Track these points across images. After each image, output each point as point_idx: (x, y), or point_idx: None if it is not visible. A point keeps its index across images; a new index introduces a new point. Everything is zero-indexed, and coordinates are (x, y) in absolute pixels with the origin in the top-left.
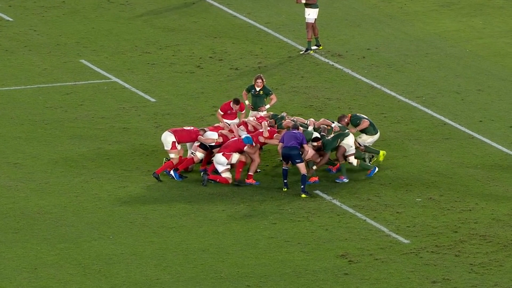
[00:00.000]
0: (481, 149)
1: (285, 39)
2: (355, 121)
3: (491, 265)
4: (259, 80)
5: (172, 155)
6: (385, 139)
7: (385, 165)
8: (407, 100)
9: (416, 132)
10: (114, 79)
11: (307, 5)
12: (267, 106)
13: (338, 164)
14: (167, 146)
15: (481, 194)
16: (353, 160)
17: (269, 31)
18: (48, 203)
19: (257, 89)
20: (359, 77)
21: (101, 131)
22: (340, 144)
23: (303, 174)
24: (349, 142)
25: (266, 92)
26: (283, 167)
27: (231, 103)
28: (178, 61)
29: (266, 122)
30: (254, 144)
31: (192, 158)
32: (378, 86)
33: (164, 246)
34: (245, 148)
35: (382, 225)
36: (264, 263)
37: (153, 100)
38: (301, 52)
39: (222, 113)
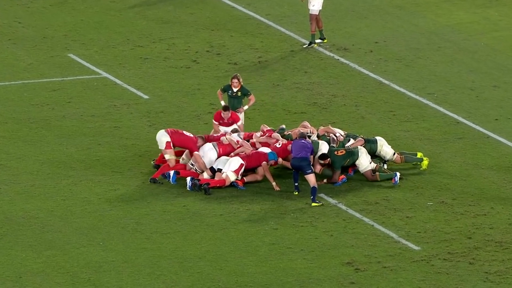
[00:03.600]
0: (497, 150)
1: (287, 32)
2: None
3: (507, 274)
4: (235, 80)
5: (167, 156)
6: (394, 139)
7: (393, 167)
8: (417, 97)
9: (427, 132)
10: (104, 74)
11: None
12: (245, 107)
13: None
14: (161, 146)
15: (497, 197)
16: (376, 175)
17: (270, 23)
18: (33, 207)
19: (234, 89)
20: (366, 72)
21: (91, 130)
22: (363, 172)
23: (313, 187)
24: (362, 162)
25: (244, 93)
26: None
27: (221, 112)
28: (173, 56)
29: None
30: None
31: (196, 173)
32: (387, 82)
33: (158, 253)
34: (263, 163)
35: (391, 230)
36: (264, 271)
37: (146, 97)
38: (304, 46)
39: (216, 122)
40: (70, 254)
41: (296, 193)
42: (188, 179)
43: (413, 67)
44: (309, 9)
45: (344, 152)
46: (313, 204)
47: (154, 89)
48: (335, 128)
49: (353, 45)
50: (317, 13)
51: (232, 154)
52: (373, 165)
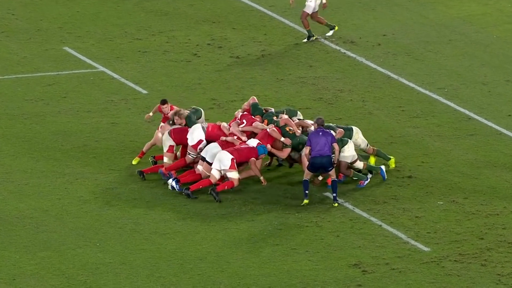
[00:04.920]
0: (510, 147)
1: (291, 24)
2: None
3: None
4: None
5: (165, 159)
6: (403, 135)
7: (403, 164)
8: (427, 92)
9: (438, 128)
10: (101, 68)
11: None
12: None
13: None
14: (165, 148)
15: (510, 196)
16: (359, 164)
17: (274, 15)
18: (27, 207)
19: None
20: (374, 66)
21: (87, 126)
22: (341, 159)
23: (334, 180)
24: (348, 153)
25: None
26: (305, 178)
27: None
28: (172, 49)
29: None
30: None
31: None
32: (395, 77)
33: (157, 254)
34: (252, 160)
35: (400, 231)
36: (268, 273)
37: (144, 92)
38: (304, 40)
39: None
40: (66, 255)
41: (306, 201)
42: (173, 183)
43: (423, 61)
44: (305, 6)
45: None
46: (335, 204)
47: (153, 83)
48: (307, 120)
49: (361, 38)
50: (309, 12)
51: (222, 139)
52: (361, 164)
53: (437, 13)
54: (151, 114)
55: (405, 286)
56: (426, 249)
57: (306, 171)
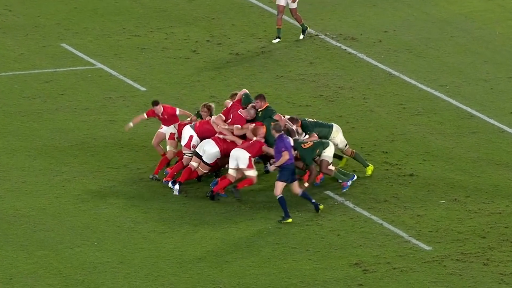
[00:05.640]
0: None
1: (291, 21)
2: (304, 130)
3: None
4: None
5: (167, 147)
6: (404, 133)
7: (404, 162)
8: (429, 89)
9: (439, 126)
10: (99, 65)
11: None
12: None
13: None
14: (183, 142)
15: None
16: (331, 169)
17: (274, 11)
18: (25, 205)
19: None
20: (375, 63)
21: (85, 124)
22: (322, 158)
23: (304, 192)
24: (330, 153)
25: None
26: (282, 195)
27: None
28: (171, 45)
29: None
30: None
31: (190, 168)
32: (397, 74)
33: (156, 253)
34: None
35: (401, 230)
36: (268, 273)
37: (143, 89)
38: (301, 37)
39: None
40: (63, 254)
41: (322, 206)
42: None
43: (424, 58)
44: (288, 4)
45: (311, 144)
46: (321, 207)
47: (152, 80)
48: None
49: (361, 34)
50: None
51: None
52: (332, 168)
53: (439, 9)
54: (131, 124)
55: (407, 286)
56: (427, 248)
57: (282, 184)
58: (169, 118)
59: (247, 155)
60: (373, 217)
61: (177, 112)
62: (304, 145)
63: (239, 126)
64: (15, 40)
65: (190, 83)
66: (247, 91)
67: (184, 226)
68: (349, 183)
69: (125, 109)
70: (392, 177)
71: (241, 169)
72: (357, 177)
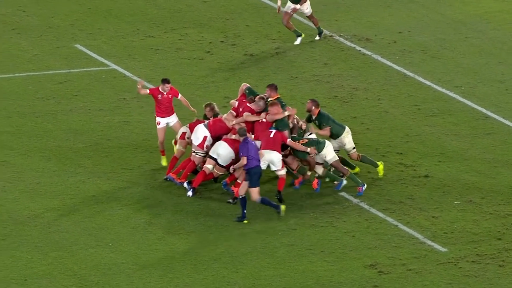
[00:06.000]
0: None
1: (305, 21)
2: (320, 121)
3: None
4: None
5: (177, 145)
6: (420, 134)
7: (419, 164)
8: (444, 90)
9: (454, 127)
10: (113, 66)
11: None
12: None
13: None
14: (196, 142)
15: None
16: (319, 169)
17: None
18: (39, 206)
19: None
20: (390, 64)
21: (99, 125)
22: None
23: (243, 197)
24: (327, 153)
25: None
26: (244, 196)
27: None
28: (185, 46)
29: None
30: None
31: (204, 172)
32: (411, 75)
33: (170, 254)
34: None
35: (416, 231)
36: (283, 274)
37: None
38: (317, 38)
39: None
40: (78, 255)
41: (283, 207)
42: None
43: (439, 59)
44: (304, 12)
45: (306, 141)
46: (245, 221)
47: None
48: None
49: (376, 35)
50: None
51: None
52: (321, 169)
53: (454, 10)
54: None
55: (422, 287)
56: (443, 249)
57: (255, 189)
58: (168, 105)
59: (280, 157)
60: (388, 218)
61: (179, 96)
62: (299, 142)
63: (249, 113)
64: (29, 41)
65: (204, 84)
66: (248, 85)
67: (199, 228)
68: (342, 185)
69: (139, 110)
70: (407, 179)
71: (275, 170)
72: (373, 178)
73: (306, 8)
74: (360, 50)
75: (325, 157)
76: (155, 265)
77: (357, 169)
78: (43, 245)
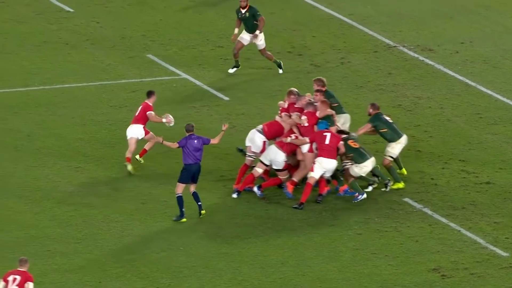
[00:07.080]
0: None
1: (370, 32)
2: (375, 123)
3: None
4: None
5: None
6: (481, 142)
7: (481, 170)
8: (505, 99)
9: None
10: (183, 75)
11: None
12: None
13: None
14: (255, 148)
15: None
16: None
17: (353, 23)
18: (113, 211)
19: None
20: (452, 73)
21: (170, 132)
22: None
23: (195, 192)
24: (364, 167)
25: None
26: (180, 194)
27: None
28: (253, 56)
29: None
30: None
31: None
32: (473, 84)
33: (239, 258)
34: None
35: (478, 236)
36: (348, 277)
37: (226, 98)
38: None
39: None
40: (150, 258)
41: (203, 211)
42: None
43: (500, 68)
44: (257, 45)
45: (357, 145)
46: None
47: (235, 90)
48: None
49: (438, 45)
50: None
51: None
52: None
53: None
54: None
55: None
56: (505, 254)
57: (180, 185)
58: (143, 113)
59: (335, 163)
60: (450, 223)
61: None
62: (354, 144)
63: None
64: (103, 51)
65: (272, 93)
66: (295, 89)
67: (267, 232)
68: (345, 193)
69: (209, 118)
70: (469, 185)
71: (327, 176)
72: (436, 184)
73: (260, 40)
74: (423, 60)
75: (360, 170)
76: (225, 268)
77: (404, 171)
78: (117, 248)
